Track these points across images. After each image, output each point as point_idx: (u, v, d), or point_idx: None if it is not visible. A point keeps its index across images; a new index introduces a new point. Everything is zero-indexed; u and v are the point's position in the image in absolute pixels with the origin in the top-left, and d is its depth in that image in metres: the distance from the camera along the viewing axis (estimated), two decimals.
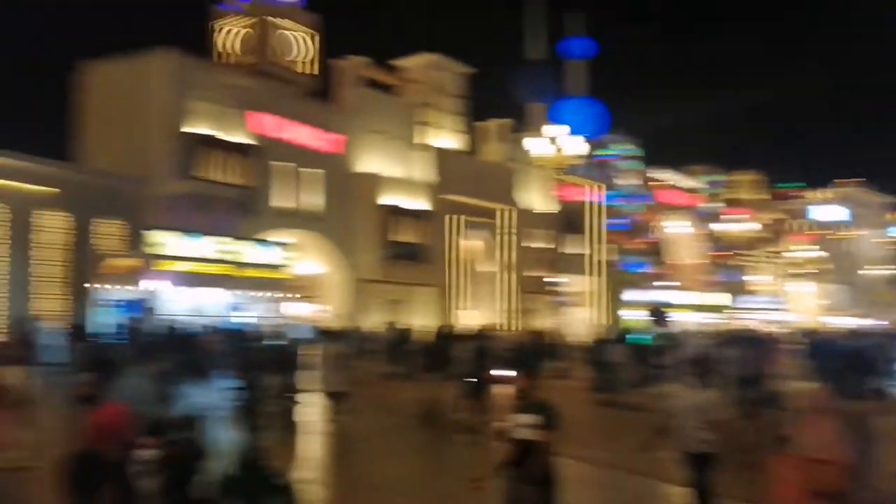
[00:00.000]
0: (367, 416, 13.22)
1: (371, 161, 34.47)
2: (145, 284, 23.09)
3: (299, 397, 12.65)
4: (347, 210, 32.85)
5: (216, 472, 4.76)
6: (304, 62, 33.69)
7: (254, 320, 25.13)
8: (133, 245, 24.44)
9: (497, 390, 11.87)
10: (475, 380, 12.54)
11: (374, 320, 30.18)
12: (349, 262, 33.20)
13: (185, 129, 27.14)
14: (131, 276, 23.28)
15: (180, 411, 6.08)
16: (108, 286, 23.66)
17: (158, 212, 25.87)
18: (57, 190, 23.86)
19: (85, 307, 23.30)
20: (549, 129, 33.40)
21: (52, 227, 24.08)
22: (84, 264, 24.08)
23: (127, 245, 25.03)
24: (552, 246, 42.96)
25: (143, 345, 19.41)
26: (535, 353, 19.03)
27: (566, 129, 33.14)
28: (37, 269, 23.69)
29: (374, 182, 34.01)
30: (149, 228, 23.86)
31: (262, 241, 27.75)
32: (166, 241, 23.86)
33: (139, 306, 22.87)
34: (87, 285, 23.61)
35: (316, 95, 34.06)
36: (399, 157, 35.93)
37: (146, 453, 5.09)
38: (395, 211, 34.66)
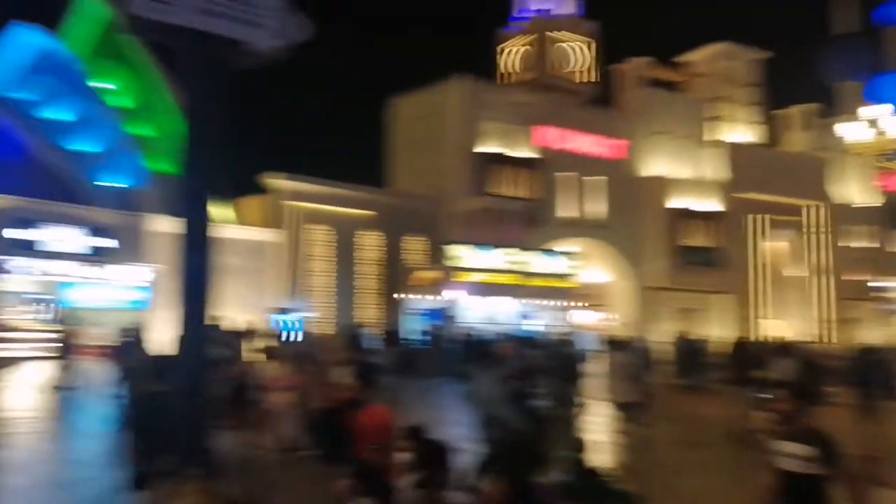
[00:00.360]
0: (660, 428, 12.78)
1: (657, 163, 33.32)
2: (446, 294, 25.21)
3: (585, 406, 12.73)
4: (632, 216, 32.15)
5: (551, 473, 4.86)
6: (582, 71, 34.02)
7: (542, 328, 25.95)
8: (435, 259, 26.85)
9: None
10: (795, 398, 11.30)
11: (663, 329, 29.02)
12: (635, 270, 32.43)
13: (478, 149, 29.16)
14: (434, 287, 25.61)
15: (512, 412, 6.30)
16: (414, 296, 26.38)
17: (455, 227, 28.12)
18: (373, 213, 27.32)
19: (396, 315, 26.24)
20: (866, 111, 28.98)
21: (370, 245, 27.61)
22: (395, 277, 27.16)
23: (430, 259, 27.60)
24: (876, 245, 37.06)
25: (444, 350, 21.28)
26: (868, 370, 16.51)
27: (888, 108, 28.44)
28: (358, 282, 27.33)
29: (660, 185, 32.81)
30: (448, 243, 26.05)
31: (549, 252, 28.49)
32: (463, 254, 25.81)
33: (441, 314, 25.08)
34: (397, 296, 26.57)
35: (596, 103, 34.08)
36: (687, 156, 34.15)
37: (403, 455, 5.19)
38: (685, 214, 32.98)
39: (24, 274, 19.69)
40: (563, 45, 33.65)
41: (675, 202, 32.81)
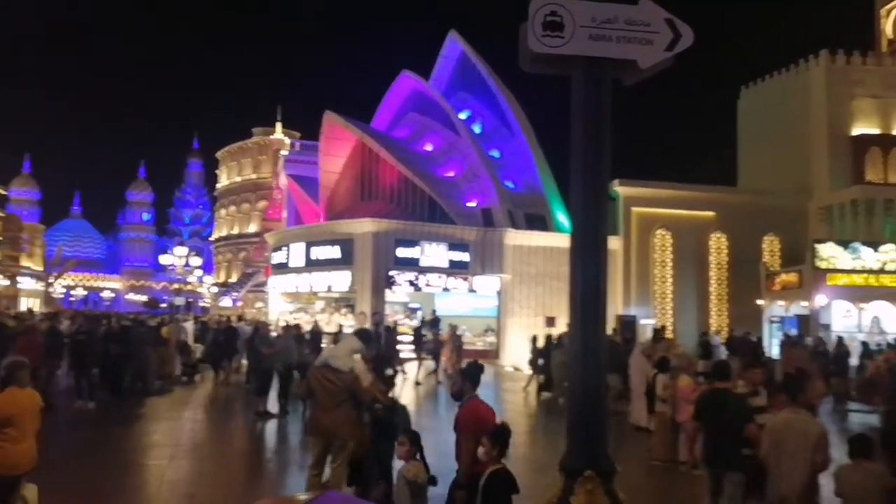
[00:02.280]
0: None
1: None
2: (811, 299, 22.52)
3: None
4: None
5: None
6: None
7: None
8: (797, 260, 24.14)
9: None
10: None
11: None
12: None
13: (849, 131, 25.71)
14: (797, 291, 23.08)
15: None
16: (773, 301, 24.11)
17: (822, 224, 25.09)
18: (721, 213, 25.61)
19: (752, 321, 24.07)
20: None
21: (718, 247, 25.96)
22: (748, 281, 25.02)
23: (791, 260, 24.94)
24: None
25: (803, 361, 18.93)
26: None
27: None
28: (704, 287, 25.83)
29: None
30: (813, 242, 23.23)
31: None
32: (832, 254, 22.72)
33: (805, 321, 22.48)
34: (758, 302, 24.48)
35: None
36: None
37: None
38: None
39: (408, 286, 22.76)
40: None
41: None
